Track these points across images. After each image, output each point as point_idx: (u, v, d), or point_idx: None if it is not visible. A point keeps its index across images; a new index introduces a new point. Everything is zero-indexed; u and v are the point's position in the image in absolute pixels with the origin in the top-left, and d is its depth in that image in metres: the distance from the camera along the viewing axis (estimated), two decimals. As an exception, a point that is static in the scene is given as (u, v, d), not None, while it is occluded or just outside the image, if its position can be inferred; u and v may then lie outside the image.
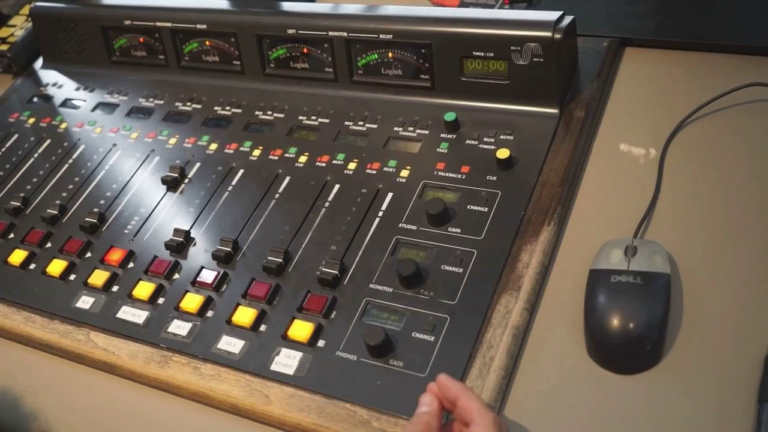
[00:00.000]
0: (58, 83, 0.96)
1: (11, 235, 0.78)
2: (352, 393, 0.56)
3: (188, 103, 0.85)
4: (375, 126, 0.75)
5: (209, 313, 0.64)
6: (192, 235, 0.71)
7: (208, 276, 0.67)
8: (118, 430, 0.61)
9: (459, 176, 0.68)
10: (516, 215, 0.63)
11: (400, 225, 0.66)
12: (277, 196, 0.72)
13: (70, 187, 0.81)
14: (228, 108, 0.83)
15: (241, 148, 0.78)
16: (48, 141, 0.88)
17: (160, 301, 0.67)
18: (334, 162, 0.73)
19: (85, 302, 0.69)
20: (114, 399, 0.63)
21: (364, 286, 0.62)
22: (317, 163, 0.74)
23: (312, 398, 0.57)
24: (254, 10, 0.82)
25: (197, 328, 0.64)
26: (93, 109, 0.90)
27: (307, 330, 0.60)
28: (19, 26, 1.04)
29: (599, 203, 0.65)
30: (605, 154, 0.68)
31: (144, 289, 0.67)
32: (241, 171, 0.76)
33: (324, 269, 0.63)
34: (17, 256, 0.75)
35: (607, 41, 0.76)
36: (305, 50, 0.80)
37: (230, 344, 0.62)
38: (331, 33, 0.77)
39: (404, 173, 0.70)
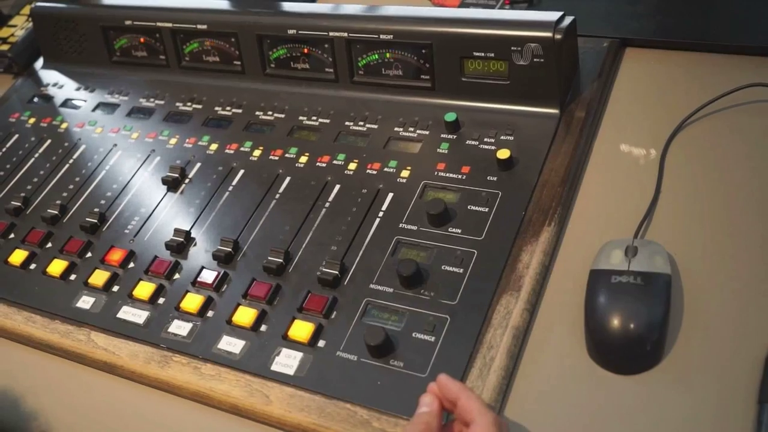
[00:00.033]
0: (58, 83, 0.96)
1: (12, 235, 0.78)
2: (352, 393, 0.56)
3: (189, 104, 0.85)
4: (375, 126, 0.75)
5: (209, 313, 0.64)
6: (192, 235, 0.71)
7: (208, 276, 0.67)
8: (118, 430, 0.61)
9: (459, 176, 0.68)
10: (516, 215, 0.63)
11: (400, 225, 0.66)
12: (277, 196, 0.72)
13: (71, 187, 0.81)
14: (228, 108, 0.83)
15: (242, 149, 0.78)
16: (48, 141, 0.88)
17: (161, 301, 0.67)
18: (334, 162, 0.73)
19: (85, 302, 0.69)
20: (114, 399, 0.63)
21: (364, 287, 0.62)
22: (318, 164, 0.74)
23: (312, 398, 0.57)
24: (255, 10, 0.82)
25: (197, 328, 0.64)
26: (93, 109, 0.90)
27: (307, 330, 0.60)
28: (20, 26, 1.04)
29: (600, 203, 0.65)
30: (606, 154, 0.68)
31: (144, 289, 0.67)
32: (242, 171, 0.76)
33: (324, 269, 0.63)
34: (18, 256, 0.75)
35: (608, 41, 0.76)
36: (306, 50, 0.80)
37: (230, 344, 0.62)
38: (331, 33, 0.77)
39: (405, 173, 0.70)
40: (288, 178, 0.73)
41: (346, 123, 0.76)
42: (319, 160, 0.74)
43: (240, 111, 0.82)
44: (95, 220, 0.74)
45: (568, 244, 0.62)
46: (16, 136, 0.90)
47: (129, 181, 0.79)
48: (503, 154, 0.66)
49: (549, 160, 0.67)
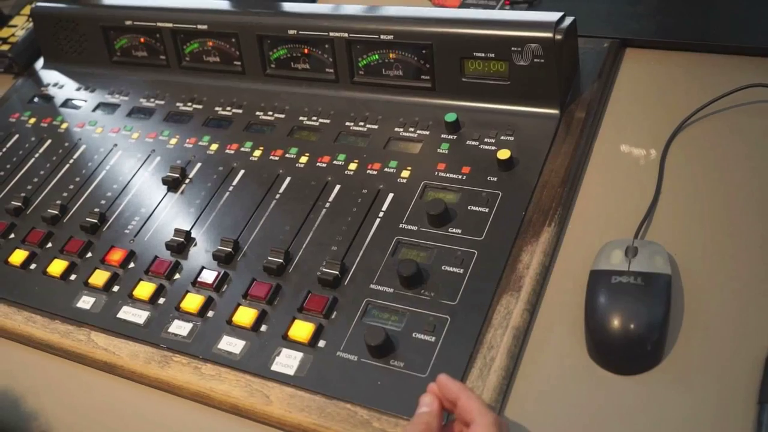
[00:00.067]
0: (59, 83, 0.96)
1: (12, 235, 0.78)
2: (352, 393, 0.56)
3: (189, 104, 0.85)
4: (376, 126, 0.75)
5: (210, 314, 0.64)
6: (193, 235, 0.71)
7: (208, 276, 0.67)
8: (118, 430, 0.61)
9: (460, 177, 0.68)
10: (517, 216, 0.63)
11: (400, 225, 0.66)
12: (277, 196, 0.72)
13: (71, 187, 0.81)
14: (229, 108, 0.83)
15: (242, 149, 0.78)
16: (49, 141, 0.88)
17: (161, 301, 0.67)
18: (334, 162, 0.73)
19: (85, 302, 0.69)
20: (114, 399, 0.63)
21: (364, 287, 0.62)
22: (318, 164, 0.74)
23: (312, 398, 0.57)
24: (255, 10, 0.82)
25: (198, 328, 0.64)
26: (94, 109, 0.90)
27: (307, 330, 0.60)
28: (20, 26, 1.04)
29: (600, 204, 0.65)
30: (606, 154, 0.68)
31: (144, 289, 0.67)
32: (242, 171, 0.76)
33: (325, 269, 0.63)
34: (18, 256, 0.75)
35: (608, 42, 0.76)
36: (306, 51, 0.80)
37: (231, 344, 0.62)
38: (332, 34, 0.77)
39: (405, 174, 0.70)
40: (288, 179, 0.73)
41: (347, 123, 0.76)
42: (319, 160, 0.74)
43: (240, 111, 0.82)
44: (95, 220, 0.74)
45: (568, 244, 0.62)
46: (17, 136, 0.90)
47: (129, 181, 0.79)
48: (503, 154, 0.66)
49: (549, 161, 0.67)
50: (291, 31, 0.79)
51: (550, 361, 0.56)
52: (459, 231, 0.63)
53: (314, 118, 0.78)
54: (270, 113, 0.81)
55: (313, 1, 0.93)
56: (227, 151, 0.78)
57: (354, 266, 0.64)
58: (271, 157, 0.76)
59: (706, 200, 0.62)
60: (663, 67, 0.74)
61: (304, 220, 0.69)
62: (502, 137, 0.70)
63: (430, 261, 0.62)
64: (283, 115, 0.80)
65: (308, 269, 0.65)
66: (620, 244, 0.58)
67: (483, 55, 0.70)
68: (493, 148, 0.69)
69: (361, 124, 0.76)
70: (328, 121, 0.77)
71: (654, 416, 0.51)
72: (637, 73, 0.74)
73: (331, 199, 0.70)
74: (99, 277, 0.70)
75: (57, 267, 0.72)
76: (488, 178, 0.67)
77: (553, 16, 0.68)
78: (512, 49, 0.69)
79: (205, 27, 0.84)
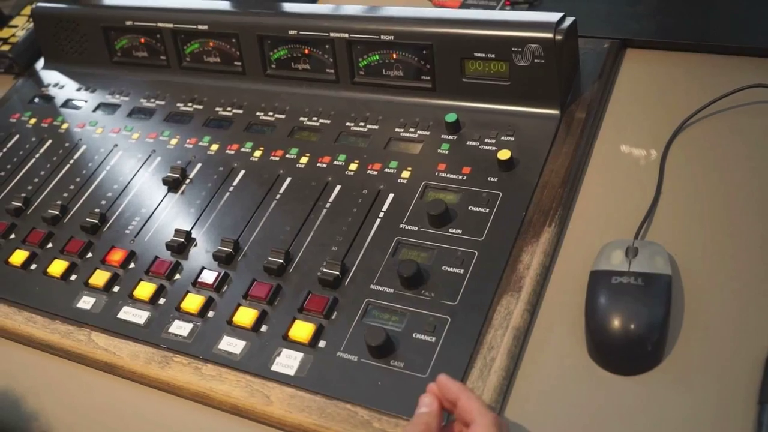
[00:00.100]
0: (59, 84, 0.96)
1: (12, 236, 0.78)
2: (352, 393, 0.56)
3: (189, 104, 0.85)
4: (376, 127, 0.75)
5: (210, 314, 0.65)
6: (193, 235, 0.71)
7: (209, 276, 0.67)
8: (118, 430, 0.61)
9: (460, 177, 0.68)
10: (517, 216, 0.63)
11: (401, 226, 0.66)
12: (278, 196, 0.72)
13: (72, 187, 0.81)
14: (229, 109, 0.83)
15: (243, 149, 0.78)
16: (49, 141, 0.88)
17: (161, 301, 0.67)
18: (335, 163, 0.73)
19: (86, 302, 0.69)
20: (115, 399, 0.63)
21: (365, 287, 0.62)
22: (318, 164, 0.74)
23: (313, 399, 0.57)
24: (255, 10, 0.82)
25: (198, 328, 0.64)
26: (94, 110, 0.90)
27: (307, 330, 0.60)
28: (21, 27, 1.04)
29: (600, 204, 0.65)
30: (606, 155, 0.68)
31: (145, 290, 0.67)
32: (243, 172, 0.76)
33: (325, 270, 0.63)
34: (18, 257, 0.75)
35: (608, 42, 0.76)
36: (306, 51, 0.80)
37: (231, 345, 0.62)
38: (332, 34, 0.77)
39: (405, 174, 0.70)
40: (289, 179, 0.73)
41: (347, 123, 0.76)
42: (319, 160, 0.74)
43: (241, 111, 0.82)
44: (96, 221, 0.74)
45: (568, 244, 0.62)
46: (17, 136, 0.90)
47: (130, 182, 0.79)
48: (504, 154, 0.66)
49: (549, 161, 0.67)
50: (291, 32, 0.79)
51: (550, 362, 0.56)
52: (459, 231, 0.63)
53: (315, 118, 0.78)
54: (270, 113, 0.81)
55: (313, 1, 0.93)
56: (228, 151, 0.78)
57: (354, 266, 0.64)
58: (272, 158, 0.76)
59: (706, 200, 0.62)
60: (663, 68, 0.74)
61: (305, 220, 0.69)
62: (503, 138, 0.70)
63: (430, 261, 0.62)
64: (283, 116, 0.80)
65: (308, 269, 0.65)
66: (620, 244, 0.58)
67: (483, 55, 0.70)
68: (494, 148, 0.69)
69: (362, 124, 0.76)
70: (328, 121, 0.78)
71: (654, 416, 0.51)
72: (637, 74, 0.74)
73: (331, 199, 0.70)
74: (99, 278, 0.70)
75: (57, 267, 0.72)
76: (488, 179, 0.67)
77: (553, 16, 0.68)
78: (513, 49, 0.69)
79: (205, 27, 0.84)
